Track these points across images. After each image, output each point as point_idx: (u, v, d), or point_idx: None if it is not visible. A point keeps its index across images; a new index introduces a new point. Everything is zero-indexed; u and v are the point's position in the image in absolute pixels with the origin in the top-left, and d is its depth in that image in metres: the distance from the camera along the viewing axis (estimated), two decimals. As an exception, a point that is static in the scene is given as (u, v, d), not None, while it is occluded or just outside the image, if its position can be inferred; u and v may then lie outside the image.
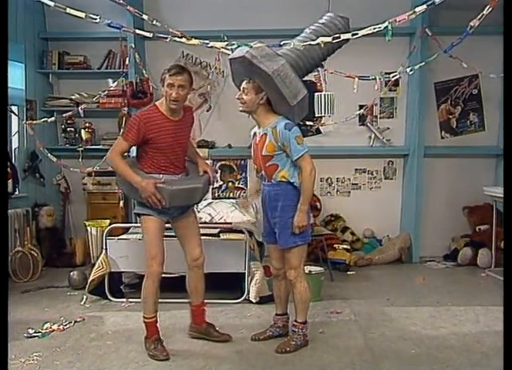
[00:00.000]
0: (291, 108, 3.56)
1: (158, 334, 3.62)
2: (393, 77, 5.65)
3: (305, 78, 6.57)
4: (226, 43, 3.73)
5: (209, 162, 6.18)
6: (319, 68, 6.20)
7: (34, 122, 5.92)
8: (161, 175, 3.51)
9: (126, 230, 5.39)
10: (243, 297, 4.69)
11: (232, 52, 4.24)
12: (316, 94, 5.12)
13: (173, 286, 4.19)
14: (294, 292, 3.67)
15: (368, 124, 6.72)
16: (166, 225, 3.67)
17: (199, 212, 5.81)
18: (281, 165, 3.53)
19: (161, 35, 3.86)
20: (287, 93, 3.48)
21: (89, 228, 5.88)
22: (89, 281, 4.78)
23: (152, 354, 3.50)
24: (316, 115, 5.22)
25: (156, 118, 3.47)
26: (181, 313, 3.99)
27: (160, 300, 3.66)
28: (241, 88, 3.55)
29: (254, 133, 3.68)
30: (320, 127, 6.65)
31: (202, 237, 4.71)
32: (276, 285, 3.87)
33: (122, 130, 3.56)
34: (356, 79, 4.99)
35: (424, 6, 3.26)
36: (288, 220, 3.52)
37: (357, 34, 3.45)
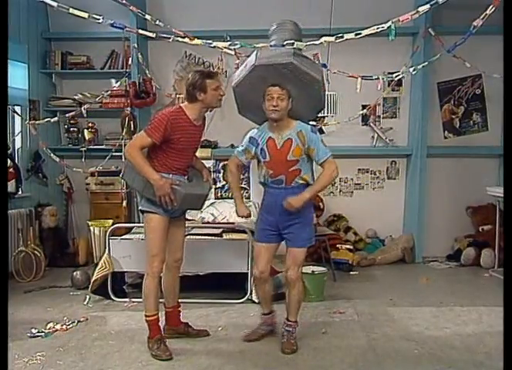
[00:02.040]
0: (316, 112, 3.70)
1: (161, 333, 3.63)
2: (396, 77, 5.64)
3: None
4: (229, 43, 3.72)
5: (212, 162, 6.19)
6: (323, 68, 6.21)
7: (37, 122, 5.94)
8: (171, 175, 3.52)
9: (128, 230, 5.39)
10: (245, 297, 4.70)
11: (235, 52, 4.23)
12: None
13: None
14: (292, 293, 3.67)
15: (371, 124, 6.71)
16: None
17: (202, 212, 5.82)
18: (304, 169, 3.58)
19: (164, 35, 3.86)
20: (323, 98, 3.62)
21: (91, 228, 5.88)
22: (91, 281, 4.79)
23: (155, 354, 3.50)
24: (319, 115, 5.21)
25: (183, 120, 3.50)
26: (184, 312, 3.99)
27: (160, 300, 3.67)
28: (274, 94, 3.46)
29: (269, 138, 3.58)
30: (323, 127, 6.64)
31: (205, 237, 4.77)
32: (260, 289, 3.87)
33: (145, 126, 3.54)
34: (359, 78, 4.98)
35: (427, 6, 3.25)
36: (306, 220, 3.62)
37: (360, 34, 3.44)
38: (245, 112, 3.83)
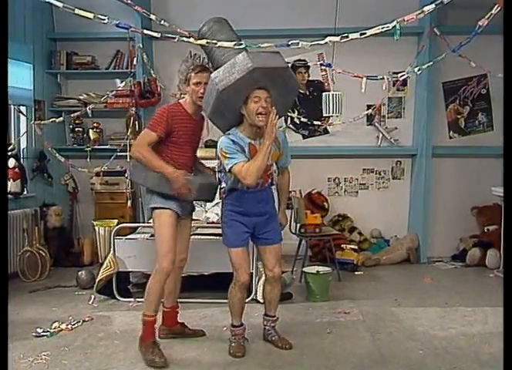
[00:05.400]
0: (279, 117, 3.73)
1: (154, 337, 3.53)
2: (401, 77, 5.62)
3: (312, 77, 6.59)
4: (234, 43, 3.71)
5: (217, 161, 6.17)
6: (327, 68, 6.23)
7: (42, 122, 5.96)
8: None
9: (133, 230, 5.40)
10: (250, 297, 4.68)
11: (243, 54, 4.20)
12: (324, 94, 5.12)
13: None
14: (277, 289, 3.75)
15: (376, 124, 6.70)
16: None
17: (206, 212, 5.83)
18: (274, 171, 3.69)
19: (169, 35, 3.84)
20: (290, 108, 3.65)
21: (96, 228, 5.89)
22: (96, 281, 4.80)
23: (149, 359, 3.35)
24: (324, 115, 5.22)
25: (181, 113, 3.55)
26: (189, 312, 3.99)
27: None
28: (263, 98, 3.33)
29: (250, 144, 3.44)
30: (328, 127, 6.65)
31: (210, 237, 4.77)
32: (243, 296, 3.67)
33: (147, 124, 3.60)
34: (364, 78, 4.96)
35: (432, 5, 3.23)
36: (276, 213, 3.73)
37: (365, 33, 3.43)
38: (217, 116, 3.49)
